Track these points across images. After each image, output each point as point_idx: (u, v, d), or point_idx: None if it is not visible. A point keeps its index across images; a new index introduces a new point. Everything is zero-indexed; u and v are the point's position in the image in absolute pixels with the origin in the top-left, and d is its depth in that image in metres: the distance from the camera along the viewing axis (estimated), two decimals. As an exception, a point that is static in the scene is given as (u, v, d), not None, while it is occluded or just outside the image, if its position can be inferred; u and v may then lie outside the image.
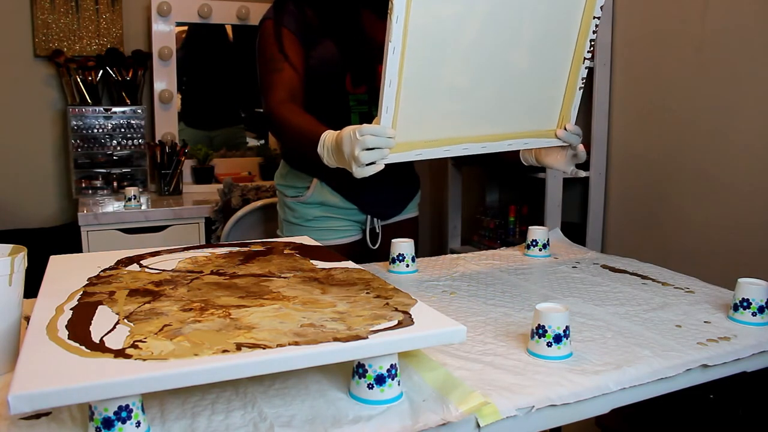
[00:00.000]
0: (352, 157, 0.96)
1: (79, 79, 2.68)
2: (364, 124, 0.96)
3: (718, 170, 1.85)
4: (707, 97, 1.86)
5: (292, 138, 1.23)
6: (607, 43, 2.16)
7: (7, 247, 0.78)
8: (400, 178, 1.50)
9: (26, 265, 0.76)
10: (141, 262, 0.97)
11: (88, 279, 0.88)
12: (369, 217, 1.45)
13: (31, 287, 0.83)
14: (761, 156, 1.73)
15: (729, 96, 1.80)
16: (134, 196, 2.37)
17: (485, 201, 2.82)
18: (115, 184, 2.68)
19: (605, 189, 2.25)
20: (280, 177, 1.47)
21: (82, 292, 0.81)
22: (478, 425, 0.68)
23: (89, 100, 2.70)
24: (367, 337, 0.66)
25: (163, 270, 0.93)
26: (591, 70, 2.18)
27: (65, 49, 2.70)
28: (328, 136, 1.07)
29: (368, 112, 1.37)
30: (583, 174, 1.26)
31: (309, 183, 1.41)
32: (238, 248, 1.07)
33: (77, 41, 2.73)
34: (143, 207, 2.40)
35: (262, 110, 1.36)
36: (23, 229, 2.65)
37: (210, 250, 1.06)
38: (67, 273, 0.91)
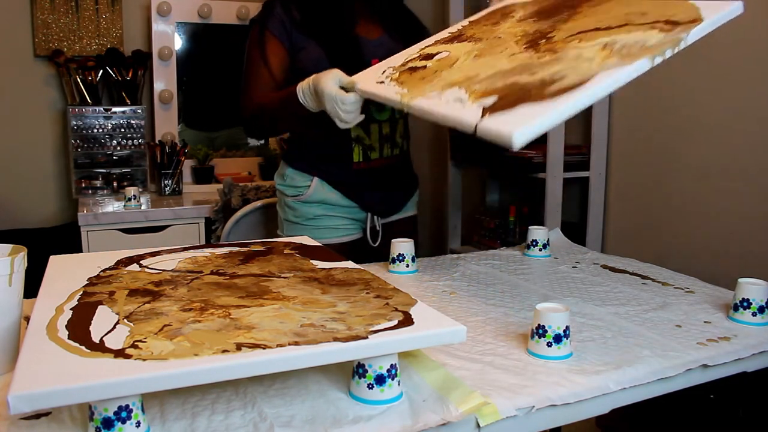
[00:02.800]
0: (337, 117, 1.15)
1: (79, 79, 2.68)
2: (346, 95, 1.13)
3: (719, 170, 1.85)
4: (707, 97, 1.86)
5: (272, 111, 1.33)
6: (607, 43, 2.15)
7: (7, 247, 0.78)
8: (400, 177, 1.51)
9: (26, 265, 0.76)
10: (141, 262, 0.97)
11: (88, 279, 0.87)
12: (369, 215, 1.46)
13: (31, 287, 0.83)
14: (761, 156, 1.73)
15: (729, 96, 1.80)
16: (134, 196, 2.37)
17: (485, 201, 2.82)
18: (115, 184, 2.68)
19: (605, 189, 2.25)
20: (279, 177, 1.48)
21: (82, 292, 0.81)
22: (478, 425, 0.68)
23: (89, 100, 2.70)
24: (367, 337, 0.66)
25: (163, 270, 0.93)
26: (591, 70, 2.18)
27: (65, 49, 2.70)
28: (303, 82, 1.21)
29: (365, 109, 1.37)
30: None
31: (309, 182, 1.41)
32: (238, 248, 1.07)
33: (77, 41, 2.73)
34: (143, 207, 2.40)
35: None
36: (23, 229, 2.65)
37: (210, 250, 1.06)
38: (67, 273, 0.91)
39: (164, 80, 2.82)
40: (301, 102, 1.21)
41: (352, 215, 1.45)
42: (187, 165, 2.83)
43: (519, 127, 0.77)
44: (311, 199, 1.42)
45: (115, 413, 0.58)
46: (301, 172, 1.43)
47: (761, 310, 0.92)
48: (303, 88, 1.21)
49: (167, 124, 2.84)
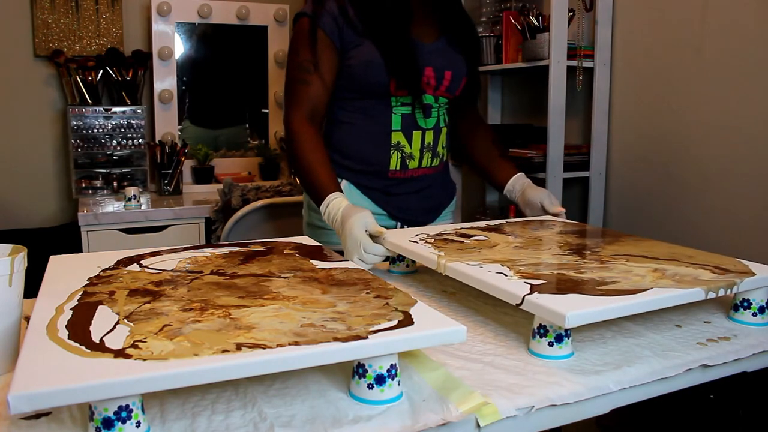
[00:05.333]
0: (351, 257, 1.11)
1: (79, 79, 2.68)
2: (374, 245, 1.10)
3: (718, 170, 1.85)
4: (707, 97, 1.86)
5: (300, 172, 1.27)
6: (607, 43, 2.16)
7: (7, 247, 0.78)
8: (436, 188, 1.44)
9: (26, 265, 0.76)
10: (141, 262, 0.97)
11: (88, 279, 0.88)
12: (398, 224, 1.40)
13: (31, 287, 0.83)
14: (761, 156, 1.73)
15: (729, 96, 1.80)
16: (134, 196, 2.38)
17: (485, 201, 2.82)
18: (115, 184, 2.69)
19: (605, 189, 2.25)
20: None
21: (82, 292, 0.81)
22: (478, 425, 0.67)
23: (89, 100, 2.70)
24: (367, 337, 0.66)
25: (163, 270, 0.93)
26: (591, 70, 2.18)
27: (65, 49, 2.70)
28: (334, 204, 1.17)
29: (411, 114, 1.32)
30: (563, 215, 1.36)
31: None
32: (238, 248, 1.07)
33: (77, 41, 2.73)
34: (143, 207, 2.40)
35: (279, 117, 1.34)
36: (23, 229, 2.65)
37: (210, 250, 1.06)
38: (67, 273, 0.91)
39: (164, 80, 2.82)
40: (320, 209, 1.20)
41: (379, 222, 1.38)
42: (187, 165, 2.83)
43: (573, 309, 0.75)
44: None
45: (115, 413, 0.58)
46: None
47: (761, 310, 0.92)
48: (331, 211, 1.17)
49: (167, 124, 2.84)
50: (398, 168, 1.34)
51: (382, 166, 1.34)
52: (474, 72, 1.42)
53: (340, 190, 1.22)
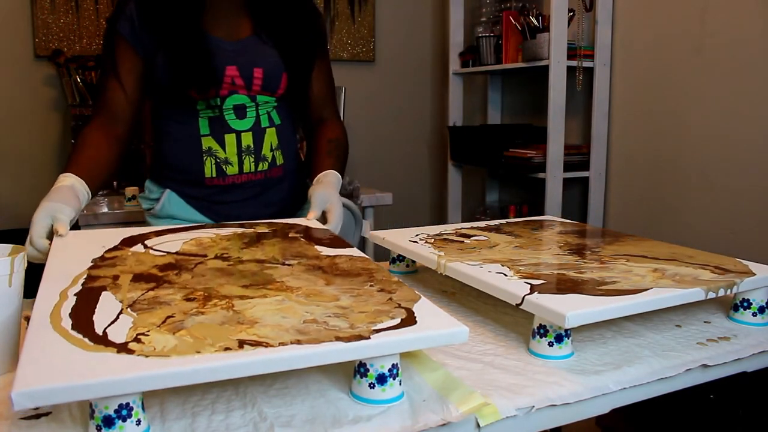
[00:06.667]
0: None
1: (79, 79, 2.68)
2: (39, 238, 1.03)
3: (718, 170, 1.85)
4: (707, 98, 1.86)
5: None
6: (607, 43, 2.16)
7: (7, 247, 0.78)
8: (273, 192, 1.34)
9: (26, 265, 0.76)
10: (146, 242, 0.98)
11: (93, 260, 0.88)
12: None
13: (32, 287, 0.83)
14: (761, 156, 1.73)
15: (728, 96, 1.80)
16: (134, 196, 2.37)
17: (485, 201, 2.82)
18: (115, 184, 2.68)
19: (605, 189, 2.25)
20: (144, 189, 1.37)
21: (86, 276, 0.82)
22: (478, 425, 0.68)
23: (89, 100, 2.70)
24: (369, 337, 0.66)
25: (168, 252, 0.93)
26: (591, 70, 2.18)
27: (65, 49, 2.70)
28: (58, 180, 1.14)
29: (220, 117, 1.25)
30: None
31: (160, 195, 1.30)
32: (242, 229, 1.08)
33: (77, 41, 2.73)
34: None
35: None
36: (23, 229, 2.65)
37: (214, 231, 1.07)
38: (71, 252, 0.92)
39: (164, 80, 2.81)
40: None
41: None
42: (187, 165, 2.83)
43: (573, 309, 0.75)
44: (162, 214, 1.30)
45: (116, 411, 0.58)
46: (156, 184, 1.32)
47: (761, 310, 0.92)
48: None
49: (167, 124, 2.84)
50: (215, 175, 1.27)
51: (198, 174, 1.27)
52: (301, 66, 1.30)
53: (81, 177, 1.16)
